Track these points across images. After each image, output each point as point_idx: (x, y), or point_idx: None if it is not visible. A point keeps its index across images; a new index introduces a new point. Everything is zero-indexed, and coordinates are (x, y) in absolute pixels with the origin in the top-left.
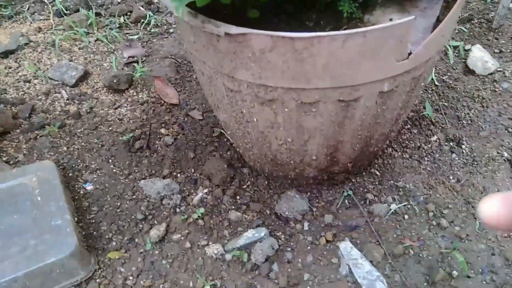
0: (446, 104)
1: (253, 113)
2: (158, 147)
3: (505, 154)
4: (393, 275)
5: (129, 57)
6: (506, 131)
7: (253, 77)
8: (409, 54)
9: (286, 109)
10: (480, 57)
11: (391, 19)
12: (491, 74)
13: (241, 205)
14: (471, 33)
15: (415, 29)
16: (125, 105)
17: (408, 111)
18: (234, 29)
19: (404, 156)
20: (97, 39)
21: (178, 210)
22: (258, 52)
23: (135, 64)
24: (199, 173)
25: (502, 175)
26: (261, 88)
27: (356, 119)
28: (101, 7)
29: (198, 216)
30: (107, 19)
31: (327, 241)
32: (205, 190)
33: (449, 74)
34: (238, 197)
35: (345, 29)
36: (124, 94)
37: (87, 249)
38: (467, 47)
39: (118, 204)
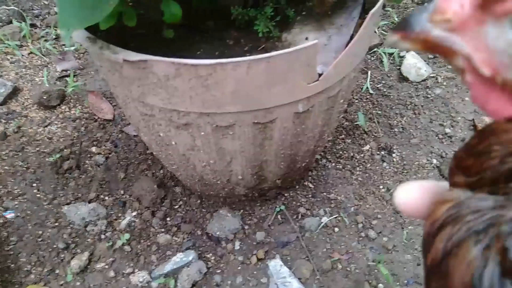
0: (379, 112)
1: (171, 137)
2: (88, 167)
3: (434, 161)
4: None
5: (62, 70)
6: (437, 137)
7: (163, 102)
8: (321, 75)
9: (203, 133)
10: (413, 64)
11: (306, 38)
12: (424, 80)
13: (172, 227)
14: None
15: (328, 48)
16: (56, 122)
17: (333, 126)
18: (133, 56)
19: (338, 167)
20: (31, 52)
21: (103, 236)
22: (163, 78)
23: (67, 78)
24: (129, 194)
25: None
26: (174, 113)
27: (275, 139)
28: (36, 18)
29: (124, 242)
30: (43, 30)
31: (259, 260)
32: (134, 213)
33: (383, 82)
34: (168, 219)
35: (262, 48)
36: (55, 111)
37: (1, 284)
38: (402, 54)
39: (40, 232)
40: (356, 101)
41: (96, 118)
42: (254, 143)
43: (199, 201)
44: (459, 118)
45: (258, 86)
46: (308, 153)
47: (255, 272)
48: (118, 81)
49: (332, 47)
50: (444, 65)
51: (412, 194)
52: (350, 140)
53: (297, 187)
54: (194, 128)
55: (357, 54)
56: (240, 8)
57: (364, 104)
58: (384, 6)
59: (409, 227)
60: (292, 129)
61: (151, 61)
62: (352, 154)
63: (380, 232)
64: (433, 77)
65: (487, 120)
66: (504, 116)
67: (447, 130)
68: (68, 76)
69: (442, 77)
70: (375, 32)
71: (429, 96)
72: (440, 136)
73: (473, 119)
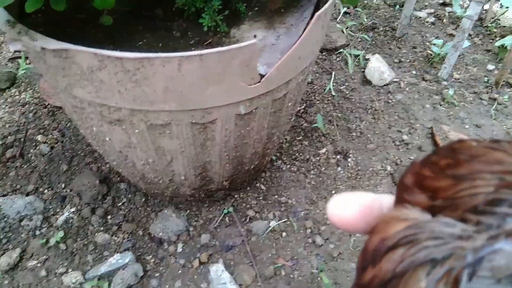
0: (339, 115)
1: (105, 132)
2: (31, 156)
3: (388, 168)
4: None
5: (15, 51)
6: (393, 143)
7: (91, 95)
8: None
9: (137, 130)
10: (377, 68)
11: (255, 36)
12: (386, 85)
13: (112, 226)
14: (374, 42)
15: (275, 49)
16: (3, 106)
17: (285, 129)
18: (53, 44)
19: (292, 169)
20: None
21: (38, 232)
22: (87, 70)
23: (20, 60)
24: (70, 189)
25: (383, 189)
26: (104, 108)
27: (218, 140)
28: None
29: (59, 240)
30: None
31: (201, 263)
32: (73, 209)
33: (347, 84)
34: (109, 217)
35: (209, 43)
36: (4, 94)
37: None
38: (368, 56)
39: None
40: (318, 102)
41: (46, 104)
42: (195, 143)
43: (144, 199)
44: (418, 125)
45: (192, 85)
46: (256, 155)
47: (195, 277)
48: (44, 69)
49: (279, 47)
50: (408, 71)
51: (346, 207)
52: (307, 142)
53: (248, 188)
54: (128, 125)
55: (304, 57)
56: None
57: (325, 106)
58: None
59: (357, 235)
60: (235, 131)
61: (72, 51)
62: (308, 156)
63: (327, 239)
64: (396, 82)
65: (446, 129)
66: None
67: (404, 137)
68: (20, 57)
69: (405, 82)
70: (343, 32)
71: (390, 101)
72: (397, 143)
73: (432, 127)
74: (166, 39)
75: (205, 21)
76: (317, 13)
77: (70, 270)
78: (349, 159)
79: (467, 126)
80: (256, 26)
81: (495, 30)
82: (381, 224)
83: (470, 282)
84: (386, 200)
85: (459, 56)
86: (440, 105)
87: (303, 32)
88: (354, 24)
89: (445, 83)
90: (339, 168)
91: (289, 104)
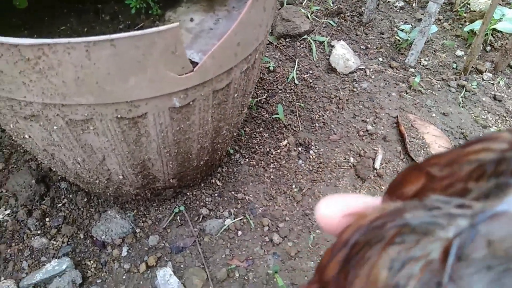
0: (302, 105)
1: (23, 129)
2: None
3: (352, 160)
4: None
5: None
6: (357, 134)
7: None
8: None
9: (56, 127)
10: (342, 55)
11: (191, 19)
12: (352, 72)
13: (50, 229)
14: (340, 28)
15: (213, 34)
16: None
17: (236, 121)
18: None
19: (251, 163)
20: None
21: None
22: None
23: None
24: (5, 189)
25: (345, 182)
26: (14, 102)
27: (153, 136)
28: None
29: None
30: None
31: (148, 267)
32: (7, 212)
33: (311, 72)
34: (47, 219)
35: (141, 27)
36: None
37: None
38: (333, 43)
39: None
40: (280, 91)
41: None
42: (127, 140)
43: (86, 199)
44: (383, 114)
45: (109, 75)
46: (205, 151)
47: (141, 283)
48: None
49: (217, 32)
50: (375, 57)
51: (334, 209)
52: (268, 134)
53: (202, 185)
54: (44, 121)
55: (245, 44)
56: None
57: (287, 95)
58: None
59: (317, 231)
60: (172, 126)
61: None
62: (268, 149)
63: (285, 237)
64: (362, 69)
65: (411, 117)
66: None
67: (369, 127)
68: None
69: (371, 70)
70: (308, 17)
71: (355, 89)
72: (361, 133)
73: (397, 116)
74: (93, 23)
75: (132, 2)
76: None
77: (2, 278)
78: (311, 151)
79: (433, 115)
80: (194, 9)
81: (465, 14)
82: (358, 217)
83: (458, 264)
84: (373, 203)
85: (427, 41)
86: (407, 93)
87: None
88: (319, 9)
89: (412, 70)
90: (300, 161)
91: (236, 95)
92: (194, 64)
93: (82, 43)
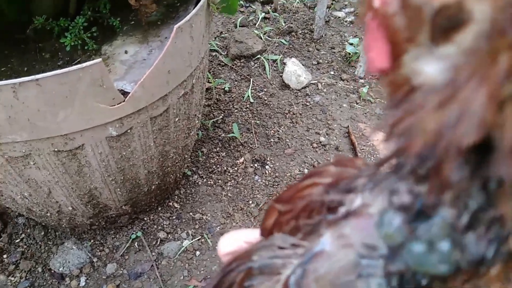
0: (258, 122)
1: None
2: None
3: (306, 171)
4: None
5: None
6: (311, 146)
7: None
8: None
9: None
10: (293, 71)
11: (126, 52)
12: (304, 87)
13: (8, 265)
14: (292, 45)
15: (147, 64)
16: None
17: (182, 144)
18: None
19: (209, 182)
20: None
21: None
22: None
23: None
24: None
25: None
26: None
27: (95, 166)
28: None
29: None
30: None
31: None
32: None
33: (265, 90)
34: (5, 256)
35: (77, 62)
36: None
37: None
38: (285, 61)
39: None
40: (236, 111)
41: None
42: (68, 172)
43: (43, 233)
44: (335, 125)
45: (39, 112)
46: (154, 175)
47: None
48: None
49: (150, 63)
50: (326, 71)
51: (229, 247)
52: (224, 153)
53: (159, 208)
54: None
55: (176, 71)
56: (42, 19)
57: (243, 114)
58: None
59: None
60: (113, 154)
61: None
62: (225, 167)
63: None
64: (313, 84)
65: (362, 126)
66: (377, 67)
67: (322, 139)
68: None
69: (323, 83)
70: (260, 38)
71: (308, 103)
72: (315, 145)
73: (348, 126)
74: (33, 62)
75: (67, 40)
76: (176, 26)
77: None
78: (267, 166)
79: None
80: (129, 41)
81: None
82: (232, 256)
83: None
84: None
85: None
86: (357, 103)
87: None
88: (271, 29)
89: (362, 81)
90: (256, 177)
91: (177, 119)
92: (127, 94)
93: (9, 85)
